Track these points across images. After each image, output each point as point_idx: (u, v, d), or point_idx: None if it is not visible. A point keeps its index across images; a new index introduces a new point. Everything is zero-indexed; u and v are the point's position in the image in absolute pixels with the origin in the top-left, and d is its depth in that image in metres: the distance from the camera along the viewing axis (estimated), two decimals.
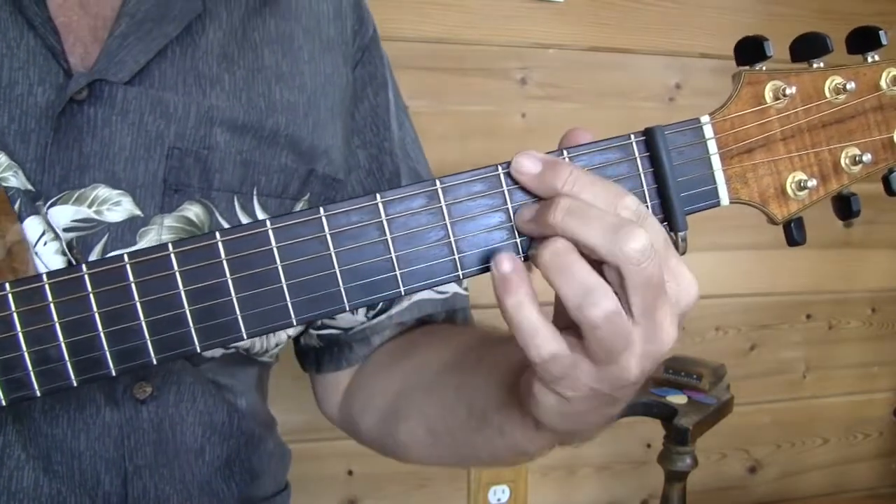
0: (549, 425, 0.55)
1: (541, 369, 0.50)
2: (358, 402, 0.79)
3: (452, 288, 0.81)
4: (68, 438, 0.65)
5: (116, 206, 0.63)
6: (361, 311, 0.78)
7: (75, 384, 0.51)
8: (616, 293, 0.48)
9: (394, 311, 0.79)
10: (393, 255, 0.51)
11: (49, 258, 0.60)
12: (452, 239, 0.52)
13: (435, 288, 0.79)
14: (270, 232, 0.50)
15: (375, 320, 0.79)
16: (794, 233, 0.57)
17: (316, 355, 0.82)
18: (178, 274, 0.50)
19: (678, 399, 1.35)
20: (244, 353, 0.73)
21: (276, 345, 0.75)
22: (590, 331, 0.47)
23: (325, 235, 0.51)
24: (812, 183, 0.55)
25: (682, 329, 0.51)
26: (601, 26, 1.51)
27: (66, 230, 0.62)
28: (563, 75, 1.51)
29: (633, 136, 0.53)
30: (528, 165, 0.51)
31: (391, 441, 0.75)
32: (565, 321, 0.50)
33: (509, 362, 0.60)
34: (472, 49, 1.46)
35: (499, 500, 1.57)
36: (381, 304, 0.78)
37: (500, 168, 0.52)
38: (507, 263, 0.50)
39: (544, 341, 0.48)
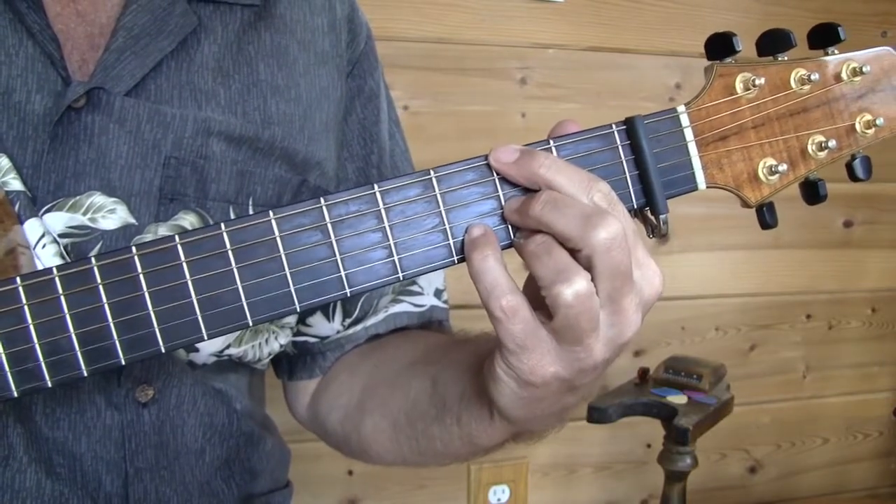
0: (506, 411, 0.56)
1: (503, 330, 0.51)
2: (325, 401, 0.80)
3: (430, 301, 0.82)
4: (69, 441, 0.65)
5: (111, 214, 0.64)
6: (338, 319, 0.79)
7: (85, 374, 0.51)
8: None
9: (369, 322, 0.79)
10: (391, 241, 0.53)
11: (48, 260, 0.61)
12: (447, 226, 0.54)
13: (413, 302, 0.80)
14: (273, 222, 0.52)
15: (350, 330, 0.79)
16: (766, 216, 0.60)
17: (289, 363, 0.82)
18: (184, 264, 0.51)
19: (678, 399, 1.35)
20: (237, 360, 0.73)
21: (269, 353, 0.75)
22: (562, 309, 0.49)
23: (326, 224, 0.53)
24: (782, 168, 0.59)
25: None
26: (601, 26, 1.52)
27: (60, 236, 0.62)
28: (563, 75, 1.51)
29: (614, 126, 0.56)
30: (505, 155, 0.54)
31: (355, 437, 0.75)
32: (536, 304, 0.51)
33: (475, 354, 0.61)
34: (472, 49, 1.46)
35: (499, 500, 1.57)
36: (356, 312, 0.79)
37: (491, 157, 0.55)
38: (478, 230, 0.53)
39: (504, 291, 0.50)
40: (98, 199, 0.63)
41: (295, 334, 0.79)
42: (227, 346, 0.70)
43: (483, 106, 1.48)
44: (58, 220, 0.62)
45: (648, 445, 1.63)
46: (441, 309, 0.83)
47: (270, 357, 0.76)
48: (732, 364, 1.53)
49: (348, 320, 0.79)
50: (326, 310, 0.78)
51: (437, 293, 0.82)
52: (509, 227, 0.54)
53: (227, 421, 0.74)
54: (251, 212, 0.69)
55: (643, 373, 1.43)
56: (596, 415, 1.31)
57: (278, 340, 0.75)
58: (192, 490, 0.72)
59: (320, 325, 0.79)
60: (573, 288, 0.49)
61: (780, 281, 1.69)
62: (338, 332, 0.79)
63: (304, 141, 0.73)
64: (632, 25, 1.53)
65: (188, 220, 0.66)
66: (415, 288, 0.81)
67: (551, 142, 0.55)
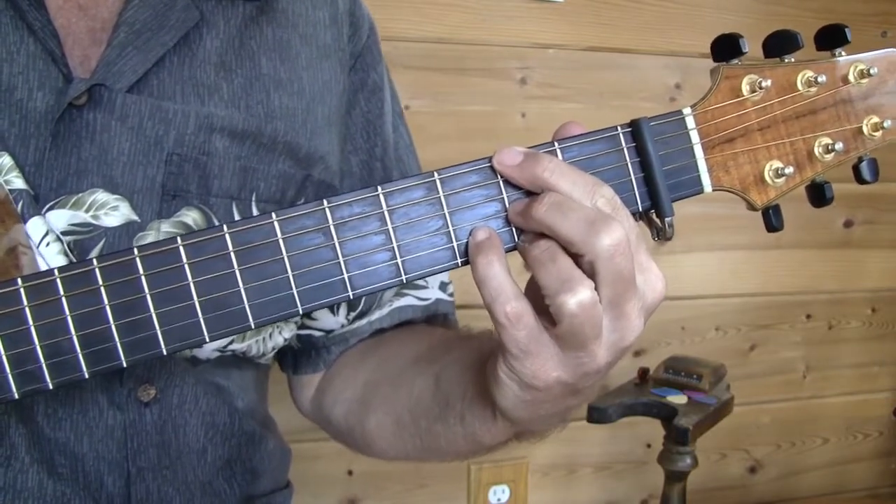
0: (509, 413, 0.56)
1: (507, 336, 0.51)
2: (329, 394, 0.80)
3: (435, 294, 0.82)
4: (71, 441, 0.65)
5: (114, 211, 0.63)
6: (342, 313, 0.79)
7: (87, 376, 0.51)
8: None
9: (374, 316, 0.79)
10: (394, 244, 0.53)
11: (52, 258, 0.61)
12: (451, 228, 0.54)
13: (418, 296, 0.80)
14: (276, 224, 0.52)
15: (355, 324, 0.79)
16: (772, 219, 0.60)
17: (293, 357, 0.82)
18: (186, 266, 0.51)
19: (678, 399, 1.35)
20: (240, 355, 0.73)
21: (273, 348, 0.75)
22: (566, 318, 0.49)
23: (329, 226, 0.52)
24: (789, 170, 0.58)
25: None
26: (601, 26, 1.51)
27: (63, 234, 0.62)
28: (563, 75, 1.51)
29: (619, 128, 0.56)
30: (509, 158, 0.53)
31: (359, 431, 0.76)
32: (539, 309, 0.51)
33: (478, 352, 0.62)
34: (472, 49, 1.46)
35: (499, 500, 1.57)
36: (361, 306, 0.79)
37: (494, 159, 0.54)
38: (482, 233, 0.53)
39: (509, 297, 0.50)
40: (100, 196, 0.63)
41: (299, 328, 0.79)
42: (231, 342, 0.70)
43: (483, 106, 1.48)
44: (60, 218, 0.62)
45: (648, 445, 1.62)
46: (446, 302, 0.83)
47: (274, 351, 0.76)
48: (732, 364, 1.53)
49: (353, 314, 0.79)
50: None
51: (443, 286, 0.82)
52: (513, 229, 0.54)
53: (228, 420, 0.74)
54: (254, 208, 0.69)
55: (643, 373, 1.43)
56: (596, 415, 1.31)
57: (282, 335, 0.75)
58: (194, 490, 0.72)
59: (325, 319, 0.79)
60: (577, 298, 0.49)
61: (780, 281, 1.69)
62: (342, 326, 0.79)
63: (307, 135, 0.72)
64: (632, 25, 1.52)
65: (191, 216, 0.66)
66: (419, 281, 0.81)
67: (556, 144, 0.55)
